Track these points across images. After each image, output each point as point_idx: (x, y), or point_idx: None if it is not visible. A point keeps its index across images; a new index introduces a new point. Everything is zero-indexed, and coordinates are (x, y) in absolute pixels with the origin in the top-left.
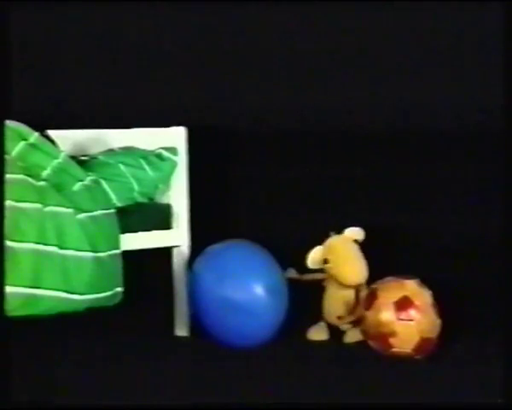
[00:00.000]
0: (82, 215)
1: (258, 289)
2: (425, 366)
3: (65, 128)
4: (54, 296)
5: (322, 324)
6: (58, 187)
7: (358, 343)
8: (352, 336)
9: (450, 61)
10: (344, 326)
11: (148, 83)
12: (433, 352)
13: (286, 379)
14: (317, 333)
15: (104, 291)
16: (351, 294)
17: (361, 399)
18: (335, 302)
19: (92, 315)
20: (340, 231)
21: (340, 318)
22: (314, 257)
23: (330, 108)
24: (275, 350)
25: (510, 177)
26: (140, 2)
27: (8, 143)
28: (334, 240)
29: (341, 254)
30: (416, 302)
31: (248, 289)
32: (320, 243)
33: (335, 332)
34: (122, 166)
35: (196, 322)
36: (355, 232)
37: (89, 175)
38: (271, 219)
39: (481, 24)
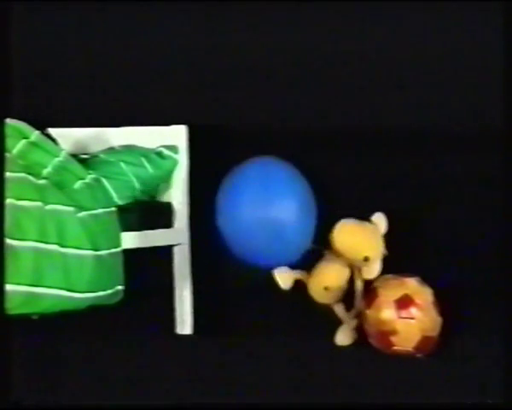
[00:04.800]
0: (83, 213)
1: (290, 209)
2: (426, 365)
3: (65, 126)
4: (54, 295)
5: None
6: (59, 185)
7: (356, 343)
8: (343, 339)
9: (450, 61)
10: (338, 310)
11: (148, 81)
12: (434, 350)
13: (286, 379)
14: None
15: (105, 290)
16: (344, 271)
17: (361, 398)
18: (327, 271)
19: (93, 313)
20: None
21: (326, 288)
22: None
23: (331, 107)
24: (275, 349)
25: (510, 176)
26: (140, 1)
27: (8, 142)
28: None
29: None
30: (417, 300)
31: (280, 208)
32: (321, 242)
33: (334, 331)
34: (123, 165)
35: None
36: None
37: (89, 173)
38: None
39: (481, 24)
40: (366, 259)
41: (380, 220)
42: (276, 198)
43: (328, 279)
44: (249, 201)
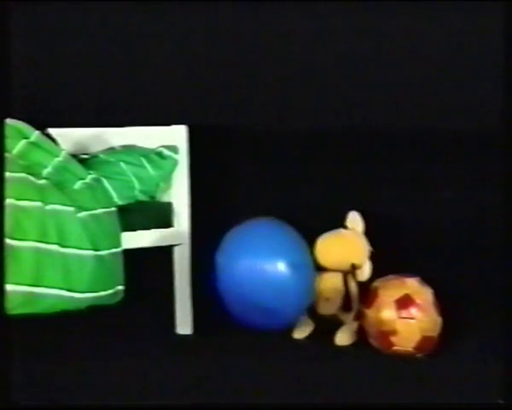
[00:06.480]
0: (83, 214)
1: (283, 268)
2: (426, 365)
3: (66, 126)
4: (55, 295)
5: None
6: (59, 185)
7: (356, 343)
8: (343, 339)
9: (450, 61)
10: (344, 317)
11: (149, 81)
12: (434, 350)
13: (287, 379)
14: (302, 331)
15: (105, 290)
16: (338, 277)
17: (361, 398)
18: (324, 282)
19: (93, 314)
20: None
21: (328, 299)
22: None
23: (330, 107)
24: (275, 349)
25: (510, 176)
26: (140, 1)
27: (8, 142)
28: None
29: None
30: (417, 300)
31: (274, 268)
32: None
33: (334, 331)
34: (123, 165)
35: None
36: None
37: (90, 173)
38: (272, 217)
39: (481, 24)
40: (354, 267)
41: (355, 220)
42: (271, 260)
43: (327, 290)
44: (246, 263)
